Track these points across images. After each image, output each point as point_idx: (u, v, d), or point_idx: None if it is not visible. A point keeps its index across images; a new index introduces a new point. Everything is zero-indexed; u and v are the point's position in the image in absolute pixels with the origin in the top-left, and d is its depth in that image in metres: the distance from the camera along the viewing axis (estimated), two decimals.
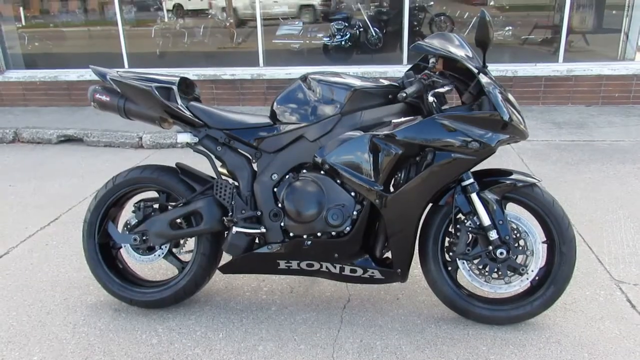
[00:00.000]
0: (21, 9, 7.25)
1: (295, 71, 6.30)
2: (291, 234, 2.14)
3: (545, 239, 2.17)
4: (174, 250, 2.40)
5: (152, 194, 2.38)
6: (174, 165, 2.36)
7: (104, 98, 2.30)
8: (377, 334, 2.18)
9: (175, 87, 2.22)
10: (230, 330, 2.24)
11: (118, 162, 4.59)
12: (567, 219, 2.12)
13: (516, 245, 2.13)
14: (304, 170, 2.15)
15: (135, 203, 2.34)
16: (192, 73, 6.39)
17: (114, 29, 6.70)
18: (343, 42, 6.93)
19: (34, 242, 3.11)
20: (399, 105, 2.13)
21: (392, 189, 2.05)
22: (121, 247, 2.41)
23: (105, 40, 6.98)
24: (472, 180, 2.08)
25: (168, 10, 7.33)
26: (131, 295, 2.35)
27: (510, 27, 6.49)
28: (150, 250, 2.33)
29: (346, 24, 7.28)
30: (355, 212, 2.08)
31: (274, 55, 6.70)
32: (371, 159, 2.01)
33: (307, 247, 2.14)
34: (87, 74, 6.45)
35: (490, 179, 2.14)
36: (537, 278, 2.19)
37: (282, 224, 2.15)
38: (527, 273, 2.14)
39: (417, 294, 2.44)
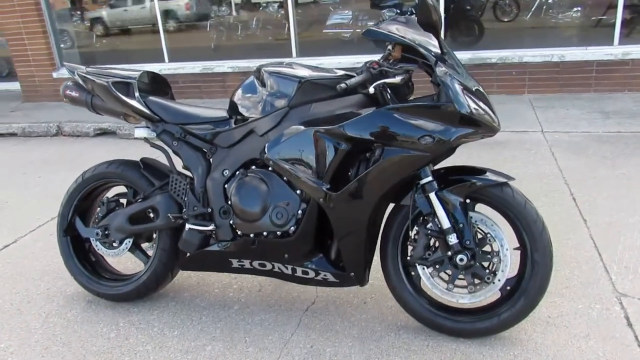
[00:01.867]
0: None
1: (326, 61, 6.16)
2: (239, 232, 2.07)
3: (518, 245, 1.94)
4: (146, 244, 2.40)
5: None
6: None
7: (74, 94, 2.34)
8: (330, 339, 2.07)
9: (134, 82, 2.21)
10: (187, 327, 2.22)
11: (146, 154, 4.71)
12: (541, 223, 1.88)
13: (481, 251, 1.92)
14: (254, 167, 2.06)
15: (102, 198, 2.36)
16: (226, 65, 6.47)
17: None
18: None
19: (41, 232, 3.26)
20: (356, 97, 1.97)
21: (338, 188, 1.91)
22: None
23: (151, 36, 7.19)
24: (430, 178, 1.90)
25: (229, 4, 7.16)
26: (98, 288, 2.39)
27: (556, 6, 5.92)
28: (115, 243, 2.34)
29: (398, 11, 7.01)
30: (300, 212, 1.97)
31: (315, 44, 6.55)
32: (315, 155, 1.88)
33: (256, 247, 2.06)
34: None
35: (456, 177, 1.94)
36: (508, 288, 1.97)
37: (231, 221, 2.08)
38: (494, 282, 1.93)
39: (386, 299, 2.27)
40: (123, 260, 2.67)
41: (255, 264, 2.11)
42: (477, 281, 1.94)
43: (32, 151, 5.16)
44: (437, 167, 1.99)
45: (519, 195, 1.90)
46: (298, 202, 1.97)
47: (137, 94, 2.20)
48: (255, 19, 6.91)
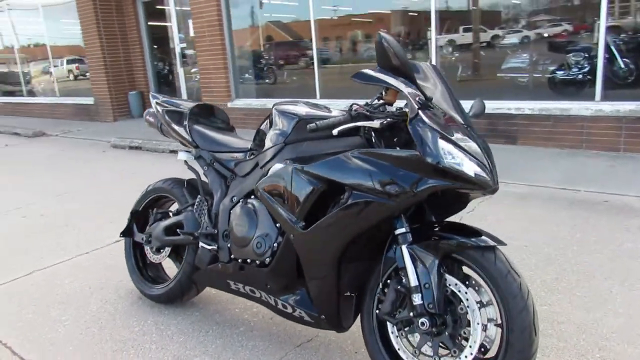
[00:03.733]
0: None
1: (497, 105, 5.85)
2: (232, 256, 2.19)
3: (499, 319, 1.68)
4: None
5: None
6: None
7: (150, 119, 2.76)
8: None
9: (185, 111, 2.54)
10: (191, 337, 2.40)
11: None
12: (522, 301, 1.61)
13: (452, 319, 1.71)
14: (253, 197, 2.18)
15: (157, 209, 2.73)
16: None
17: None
18: (581, 75, 6.05)
19: None
20: (351, 139, 1.95)
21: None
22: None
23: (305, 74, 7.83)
24: (403, 230, 1.77)
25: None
26: (142, 288, 2.74)
27: None
28: (159, 250, 2.67)
29: (586, 55, 6.41)
30: (275, 244, 2.01)
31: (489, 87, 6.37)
32: (292, 191, 1.92)
33: (244, 272, 2.15)
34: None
35: (439, 233, 1.78)
36: None
37: (228, 244, 2.21)
38: (460, 357, 1.69)
39: None
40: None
41: (247, 289, 2.20)
42: (442, 352, 1.73)
43: None
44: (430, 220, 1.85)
45: (501, 264, 1.66)
46: (276, 234, 2.02)
47: (185, 122, 2.51)
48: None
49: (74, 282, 3.07)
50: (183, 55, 9.95)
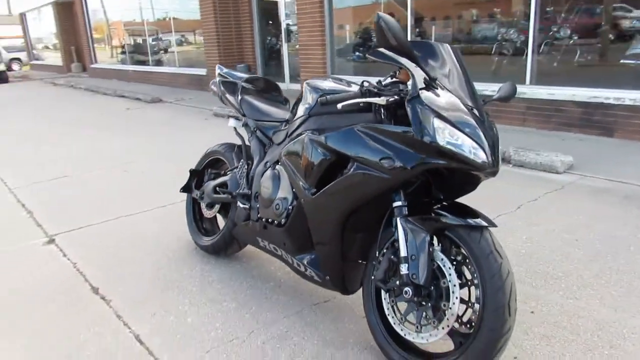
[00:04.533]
0: None
1: (560, 92, 5.60)
2: (259, 215, 2.42)
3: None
4: None
5: None
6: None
7: (214, 88, 3.07)
8: (305, 332, 2.23)
9: (239, 82, 2.79)
10: (227, 284, 2.69)
11: None
12: (500, 280, 1.65)
13: (436, 292, 1.79)
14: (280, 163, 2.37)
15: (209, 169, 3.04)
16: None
17: None
18: None
19: None
20: (365, 115, 2.05)
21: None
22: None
23: None
24: (400, 203, 1.87)
25: None
26: (196, 239, 3.09)
27: None
28: (211, 206, 2.99)
29: None
30: (290, 207, 2.19)
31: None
32: (305, 159, 2.08)
33: (267, 230, 2.37)
34: None
35: (437, 210, 1.85)
36: (460, 341, 1.77)
37: (257, 204, 2.44)
38: (438, 329, 1.77)
39: None
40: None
41: (271, 246, 2.43)
42: (424, 321, 1.81)
43: None
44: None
45: (485, 243, 1.70)
46: (292, 198, 2.20)
47: (238, 92, 2.76)
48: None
49: (149, 229, 3.53)
50: (288, 31, 10.35)
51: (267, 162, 2.48)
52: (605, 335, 2.12)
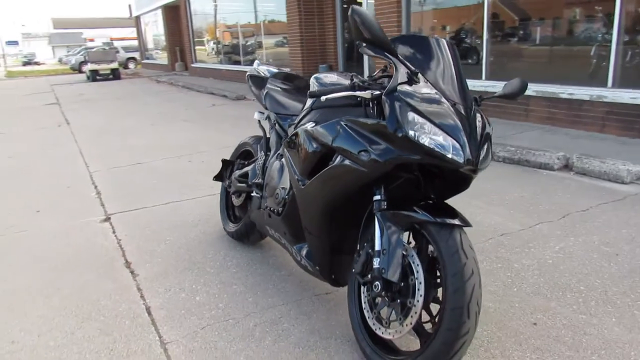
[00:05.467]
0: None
1: None
2: (266, 204, 2.51)
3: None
4: None
5: None
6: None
7: (249, 82, 3.22)
8: (298, 320, 2.29)
9: (265, 77, 2.91)
10: (241, 270, 2.82)
11: None
12: (460, 281, 1.60)
13: (401, 286, 1.77)
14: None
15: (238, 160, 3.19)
16: (531, 89, 6.18)
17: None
18: None
19: None
20: (357, 109, 2.05)
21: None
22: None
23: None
24: (379, 197, 1.87)
25: None
26: (224, 225, 3.26)
27: None
28: (239, 195, 3.14)
29: None
30: (287, 196, 2.26)
31: None
32: (300, 150, 2.14)
33: (271, 219, 2.46)
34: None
35: (414, 207, 1.83)
36: (425, 341, 1.74)
37: (265, 194, 2.54)
38: (403, 325, 1.75)
39: None
40: None
41: (276, 235, 2.51)
42: (393, 317, 1.80)
43: None
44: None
45: (452, 242, 1.66)
46: (289, 188, 2.27)
47: (264, 87, 2.88)
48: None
49: (190, 214, 3.77)
50: None
51: (279, 153, 2.56)
52: (608, 355, 1.95)
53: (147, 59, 27.71)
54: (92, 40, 43.54)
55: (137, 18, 27.36)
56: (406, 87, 1.72)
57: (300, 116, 2.32)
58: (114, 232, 3.52)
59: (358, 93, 1.87)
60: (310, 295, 2.50)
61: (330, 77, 2.26)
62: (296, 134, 2.19)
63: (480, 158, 1.71)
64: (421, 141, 1.63)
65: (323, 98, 1.94)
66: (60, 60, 43.71)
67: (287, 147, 2.26)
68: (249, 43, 15.23)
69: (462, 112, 1.72)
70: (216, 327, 2.26)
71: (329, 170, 1.93)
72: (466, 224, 1.71)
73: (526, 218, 3.36)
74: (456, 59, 1.85)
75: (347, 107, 2.04)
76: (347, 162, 1.85)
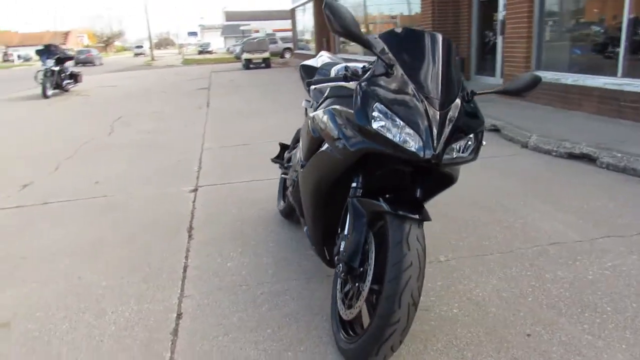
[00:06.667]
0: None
1: None
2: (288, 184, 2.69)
3: None
4: None
5: None
6: None
7: (301, 72, 3.41)
8: (295, 301, 2.45)
9: (316, 67, 3.07)
10: (275, 244, 3.05)
11: None
12: (397, 270, 1.64)
13: (359, 270, 1.83)
14: None
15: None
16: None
17: None
18: None
19: None
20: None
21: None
22: None
23: None
24: (354, 184, 1.94)
25: None
26: (278, 204, 3.52)
27: None
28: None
29: None
30: (295, 178, 2.41)
31: None
32: (306, 135, 2.28)
33: (292, 197, 2.63)
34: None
35: (382, 196, 1.87)
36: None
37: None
38: (353, 307, 1.82)
39: None
40: None
41: (298, 213, 2.67)
42: (349, 299, 1.87)
43: None
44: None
45: (400, 233, 1.69)
46: (299, 169, 2.41)
47: (315, 77, 3.05)
48: None
49: (263, 193, 4.08)
50: (504, 23, 9.77)
51: None
52: None
53: (300, 49, 29.25)
54: (257, 31, 47.22)
55: (293, 10, 28.96)
56: (379, 80, 1.77)
57: (318, 104, 2.44)
58: (194, 201, 3.99)
59: (343, 84, 1.96)
60: (323, 275, 2.63)
61: (340, 66, 2.33)
62: (305, 121, 2.33)
63: (445, 152, 1.69)
64: (382, 133, 1.68)
65: (312, 87, 2.06)
66: (228, 50, 48.20)
67: (302, 131, 2.41)
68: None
69: (435, 106, 1.71)
70: (229, 290, 2.53)
71: (317, 155, 2.05)
72: (424, 219, 1.71)
73: (593, 229, 3.05)
74: (448, 55, 1.82)
75: (349, 98, 2.13)
76: (328, 149, 1.95)
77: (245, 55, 21.57)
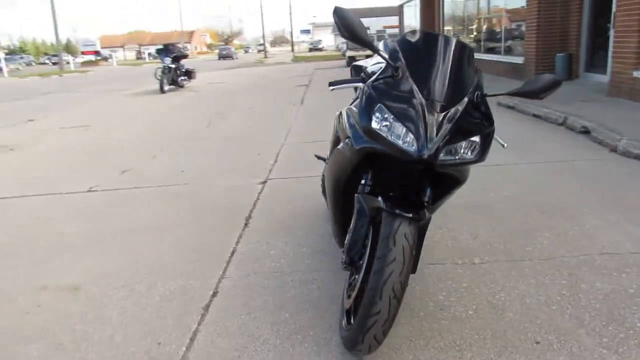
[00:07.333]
0: None
1: None
2: None
3: None
4: None
5: None
6: None
7: (351, 72, 3.50)
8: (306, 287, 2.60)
9: (363, 66, 3.17)
10: (298, 224, 3.20)
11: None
12: (381, 264, 1.72)
13: (359, 263, 1.93)
14: None
15: None
16: None
17: None
18: None
19: None
20: None
21: None
22: None
23: None
24: (363, 181, 2.04)
25: None
26: (323, 197, 3.65)
27: None
28: None
29: None
30: (324, 172, 2.54)
31: None
32: (333, 133, 2.41)
33: None
34: None
35: (386, 194, 1.94)
36: None
37: None
38: (350, 297, 1.92)
39: None
40: None
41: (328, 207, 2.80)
42: (349, 289, 1.98)
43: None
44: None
45: (389, 229, 1.77)
46: None
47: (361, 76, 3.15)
48: None
49: (317, 187, 4.25)
50: (615, 16, 8.95)
51: None
52: None
53: None
54: (367, 28, 47.35)
55: (400, 7, 28.71)
56: (385, 81, 1.85)
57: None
58: (260, 192, 4.28)
59: (357, 85, 2.07)
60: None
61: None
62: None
63: (443, 152, 1.73)
64: (381, 132, 1.77)
65: (330, 88, 2.18)
66: (337, 47, 49.04)
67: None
68: (497, 30, 14.61)
69: (436, 107, 1.76)
70: (264, 275, 2.74)
71: (334, 153, 2.18)
72: (419, 218, 1.77)
73: None
74: (460, 57, 1.86)
75: None
76: (342, 146, 2.08)
77: (349, 53, 21.84)
